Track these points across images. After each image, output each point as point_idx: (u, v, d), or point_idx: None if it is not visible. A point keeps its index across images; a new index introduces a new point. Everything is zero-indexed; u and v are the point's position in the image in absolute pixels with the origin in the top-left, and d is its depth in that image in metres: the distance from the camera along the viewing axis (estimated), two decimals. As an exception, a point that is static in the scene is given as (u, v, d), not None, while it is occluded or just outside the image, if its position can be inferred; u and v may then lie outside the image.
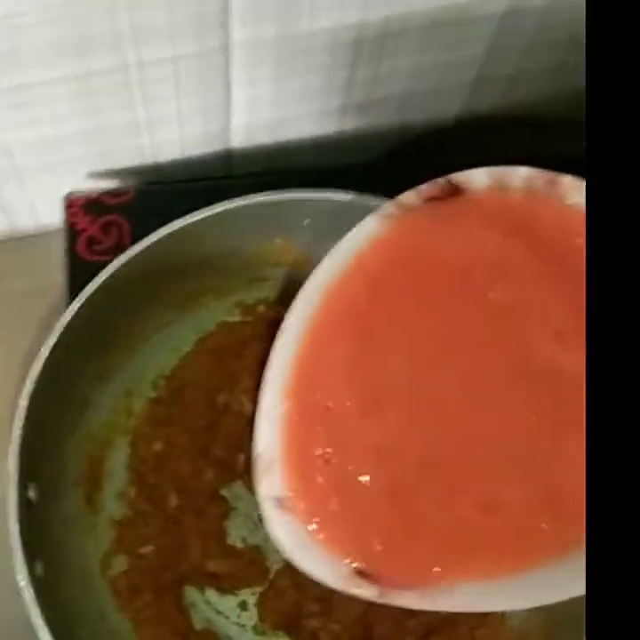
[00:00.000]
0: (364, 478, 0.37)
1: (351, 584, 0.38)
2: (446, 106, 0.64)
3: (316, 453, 0.38)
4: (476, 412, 0.36)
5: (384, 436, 0.37)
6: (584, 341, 0.31)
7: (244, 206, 0.49)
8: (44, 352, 0.47)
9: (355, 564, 0.38)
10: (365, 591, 0.38)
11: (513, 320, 0.35)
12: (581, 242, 0.36)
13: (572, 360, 0.34)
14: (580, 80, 0.65)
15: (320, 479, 0.38)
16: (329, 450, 0.38)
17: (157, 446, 0.55)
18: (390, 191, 0.50)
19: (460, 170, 0.66)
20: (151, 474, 0.54)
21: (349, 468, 0.38)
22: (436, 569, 0.36)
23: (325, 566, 0.39)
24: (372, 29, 0.54)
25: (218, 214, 0.49)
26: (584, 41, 0.60)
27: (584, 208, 0.37)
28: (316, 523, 0.38)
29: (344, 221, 0.51)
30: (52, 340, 0.47)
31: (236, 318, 0.57)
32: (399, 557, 0.37)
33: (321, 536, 0.38)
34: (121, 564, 0.52)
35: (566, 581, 0.34)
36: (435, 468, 0.36)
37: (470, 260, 0.36)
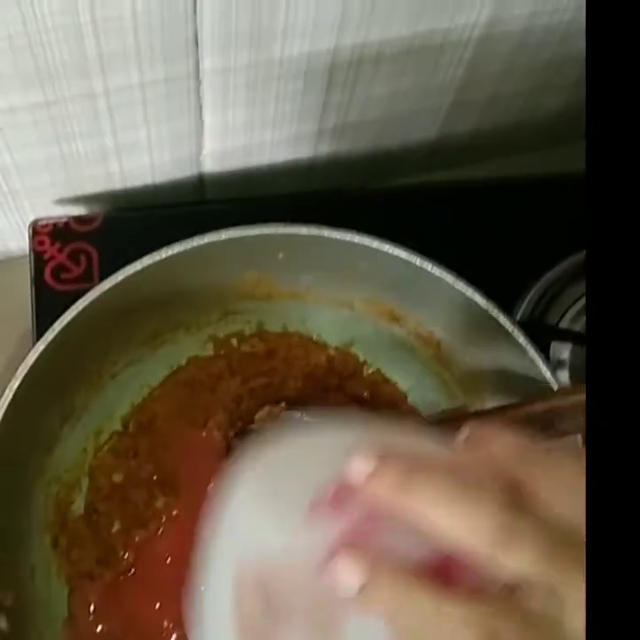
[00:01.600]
0: None
1: None
2: (423, 131, 0.63)
3: None
4: None
5: None
6: None
7: (217, 241, 0.48)
8: (8, 394, 0.45)
9: None
10: None
11: None
12: None
13: None
14: (556, 102, 0.65)
15: None
16: None
17: (117, 477, 0.53)
18: (364, 220, 0.49)
19: (434, 193, 0.65)
20: (102, 502, 0.53)
21: None
22: None
23: None
24: (346, 55, 0.53)
25: (190, 249, 0.48)
26: (560, 63, 0.60)
27: None
28: None
29: (318, 254, 0.50)
30: (16, 383, 0.45)
31: (209, 353, 0.56)
32: None
33: None
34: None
35: None
36: None
37: None
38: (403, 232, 0.49)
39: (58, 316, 0.47)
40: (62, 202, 0.61)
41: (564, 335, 0.57)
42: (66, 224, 0.60)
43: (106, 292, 0.46)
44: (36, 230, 0.59)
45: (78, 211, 0.61)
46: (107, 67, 0.49)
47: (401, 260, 0.48)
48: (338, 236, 0.48)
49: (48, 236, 0.59)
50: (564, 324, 0.58)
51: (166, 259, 0.47)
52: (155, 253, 0.47)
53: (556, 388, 0.47)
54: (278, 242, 0.49)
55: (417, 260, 0.48)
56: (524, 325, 0.48)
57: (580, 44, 0.59)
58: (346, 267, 0.51)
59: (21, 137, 0.53)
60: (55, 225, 0.60)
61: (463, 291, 0.48)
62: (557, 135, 0.68)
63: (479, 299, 0.48)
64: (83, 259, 0.59)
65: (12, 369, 0.46)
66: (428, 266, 0.48)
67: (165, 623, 0.51)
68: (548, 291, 0.59)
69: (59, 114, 0.52)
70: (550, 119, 0.66)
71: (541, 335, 0.51)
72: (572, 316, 0.58)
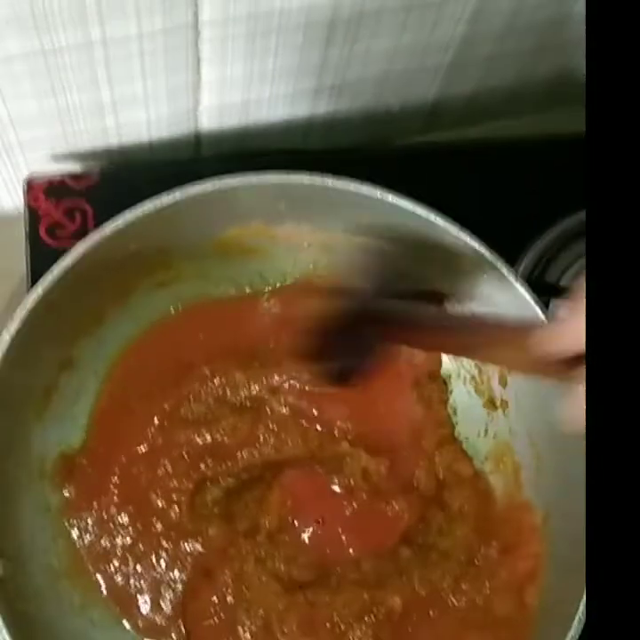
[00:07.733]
0: None
1: None
2: (423, 89, 0.63)
3: None
4: None
5: None
6: None
7: (220, 189, 0.47)
8: (6, 338, 0.44)
9: None
10: None
11: None
12: None
13: None
14: (554, 63, 0.65)
15: None
16: None
17: None
18: (362, 179, 0.49)
19: (434, 154, 0.65)
20: None
21: None
22: None
23: None
24: (346, 9, 0.53)
25: (188, 198, 0.47)
26: (560, 23, 0.60)
27: None
28: None
29: (319, 205, 0.49)
30: (14, 326, 0.44)
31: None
32: None
33: None
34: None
35: None
36: None
37: None
38: (402, 192, 0.49)
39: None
40: (57, 158, 0.60)
41: (565, 293, 0.57)
42: (61, 181, 0.59)
43: (106, 238, 0.46)
44: (30, 186, 0.58)
45: (74, 167, 0.60)
46: (105, 15, 0.48)
47: (405, 211, 0.48)
48: (341, 186, 0.48)
49: (43, 192, 0.59)
50: (564, 283, 0.58)
51: (168, 205, 0.47)
52: (156, 199, 0.46)
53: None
54: (280, 192, 0.49)
55: (421, 211, 0.48)
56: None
57: (578, 5, 0.58)
58: (347, 219, 0.50)
59: (17, 88, 0.52)
60: (50, 181, 0.59)
61: (467, 241, 0.48)
62: (555, 96, 0.68)
63: (483, 249, 0.48)
64: (78, 216, 0.58)
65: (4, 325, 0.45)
66: (433, 216, 0.48)
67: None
68: (548, 249, 0.59)
69: (55, 64, 0.51)
70: (548, 80, 0.66)
71: (542, 293, 0.51)
72: (572, 275, 0.58)
